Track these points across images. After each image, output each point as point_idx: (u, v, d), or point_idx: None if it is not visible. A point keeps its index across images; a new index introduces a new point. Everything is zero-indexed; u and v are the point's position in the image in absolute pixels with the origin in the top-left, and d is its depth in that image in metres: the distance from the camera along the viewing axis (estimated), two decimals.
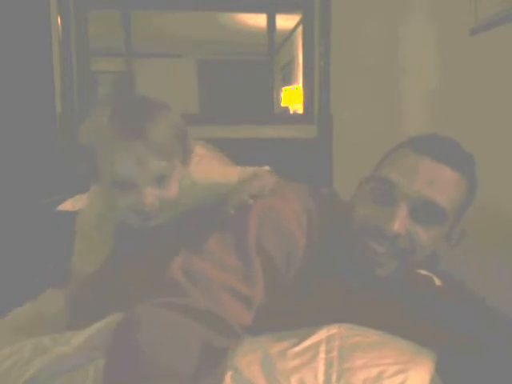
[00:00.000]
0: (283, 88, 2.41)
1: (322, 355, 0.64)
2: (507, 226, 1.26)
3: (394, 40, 2.14)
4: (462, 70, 1.57)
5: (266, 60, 2.31)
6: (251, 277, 0.69)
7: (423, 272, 0.95)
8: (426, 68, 1.85)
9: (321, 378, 0.60)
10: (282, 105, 2.41)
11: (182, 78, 2.28)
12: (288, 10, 2.30)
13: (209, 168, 0.95)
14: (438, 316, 0.77)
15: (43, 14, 2.07)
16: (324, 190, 0.98)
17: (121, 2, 2.21)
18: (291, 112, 2.40)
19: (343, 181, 1.85)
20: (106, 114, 0.78)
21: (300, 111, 2.34)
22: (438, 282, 0.97)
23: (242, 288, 0.67)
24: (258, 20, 2.29)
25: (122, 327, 0.60)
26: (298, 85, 2.34)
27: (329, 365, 0.62)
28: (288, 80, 2.43)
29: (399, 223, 0.72)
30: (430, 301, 0.82)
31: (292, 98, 2.38)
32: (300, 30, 2.29)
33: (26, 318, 1.06)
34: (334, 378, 0.60)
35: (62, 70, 2.09)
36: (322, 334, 0.68)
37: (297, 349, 0.65)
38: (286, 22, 2.34)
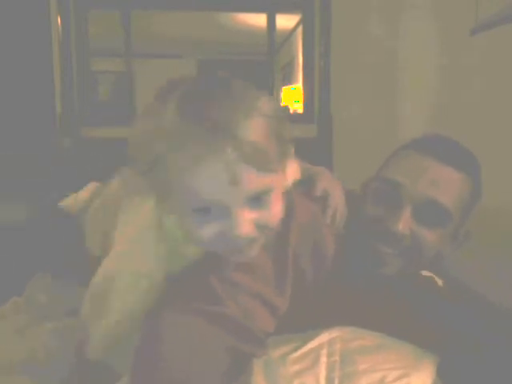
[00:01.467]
0: (283, 87, 2.41)
1: (324, 359, 0.63)
2: (508, 225, 1.26)
3: (393, 40, 2.14)
4: (462, 69, 1.57)
5: (266, 60, 2.31)
6: (283, 287, 0.68)
7: (426, 273, 0.95)
8: (426, 68, 1.85)
9: (322, 383, 0.60)
10: (282, 104, 2.41)
11: None
12: (288, 9, 2.30)
13: None
14: (440, 317, 0.77)
15: (43, 14, 2.07)
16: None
17: (121, 2, 2.21)
18: (291, 111, 2.41)
19: (343, 180, 1.84)
20: (172, 108, 0.53)
21: (300, 111, 2.35)
22: (440, 282, 0.97)
23: (272, 297, 0.66)
24: (258, 20, 2.29)
25: (145, 341, 0.59)
26: (298, 84, 2.34)
27: (331, 369, 0.62)
28: (288, 80, 2.43)
29: (404, 224, 0.73)
30: (432, 302, 0.82)
31: (292, 97, 2.38)
32: (300, 29, 2.29)
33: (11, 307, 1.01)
34: (335, 383, 0.60)
35: (62, 70, 2.09)
36: (323, 336, 0.68)
37: (298, 353, 0.65)
38: (285, 21, 2.34)
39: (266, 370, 0.61)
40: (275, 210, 0.59)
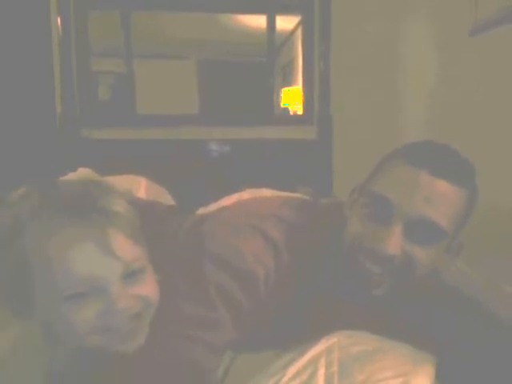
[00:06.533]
0: (283, 89, 2.41)
1: (322, 371, 0.62)
2: (506, 226, 1.26)
3: (393, 40, 2.14)
4: (461, 70, 1.57)
5: (266, 61, 2.31)
6: (213, 321, 0.65)
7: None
8: (426, 69, 1.85)
9: None
10: (282, 106, 2.41)
11: (182, 79, 2.28)
12: (288, 11, 2.30)
13: None
14: (436, 322, 0.77)
15: (43, 14, 2.06)
16: (307, 199, 0.93)
17: (121, 3, 2.21)
18: (291, 113, 2.41)
19: (343, 182, 1.85)
20: (37, 196, 0.56)
21: (300, 112, 2.35)
22: (433, 287, 0.97)
23: (202, 335, 0.64)
24: (258, 21, 2.29)
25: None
26: (298, 86, 2.34)
27: (329, 382, 0.61)
28: (288, 81, 2.43)
29: (395, 244, 0.68)
30: (427, 307, 0.81)
31: (292, 98, 2.38)
32: (300, 30, 2.29)
33: None
34: None
35: (62, 70, 2.08)
36: (321, 345, 0.67)
37: (296, 365, 0.64)
38: (285, 22, 2.34)
39: None
40: (151, 287, 0.59)
